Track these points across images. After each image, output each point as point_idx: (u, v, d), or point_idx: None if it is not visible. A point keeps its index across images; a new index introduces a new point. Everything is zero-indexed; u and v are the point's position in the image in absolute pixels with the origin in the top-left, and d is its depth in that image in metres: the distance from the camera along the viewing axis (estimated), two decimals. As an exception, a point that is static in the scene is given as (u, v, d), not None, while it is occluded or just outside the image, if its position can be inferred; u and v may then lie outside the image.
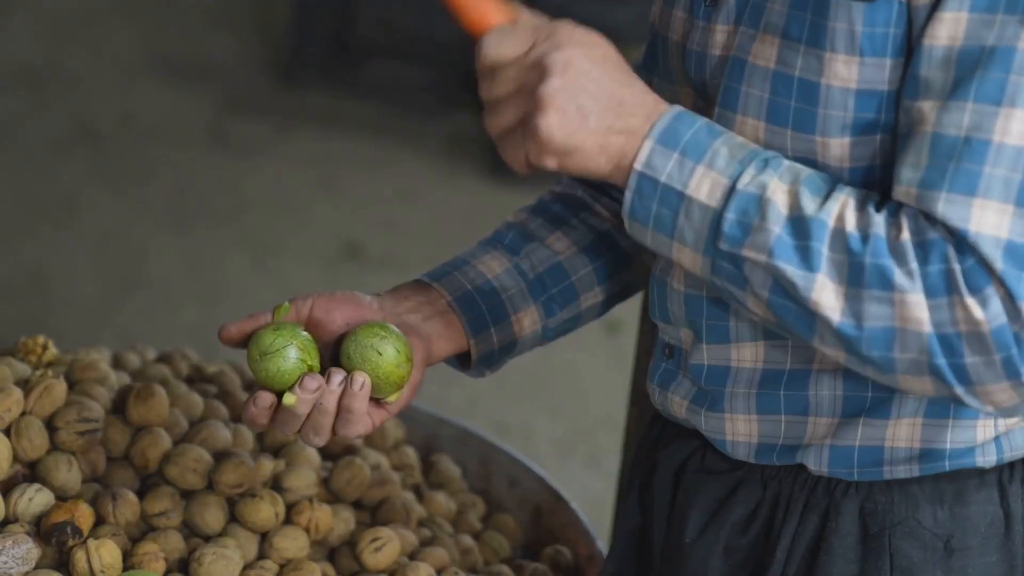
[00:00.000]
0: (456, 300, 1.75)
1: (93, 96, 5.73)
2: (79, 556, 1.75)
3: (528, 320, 1.78)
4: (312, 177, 5.38)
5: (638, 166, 1.49)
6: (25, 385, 1.90)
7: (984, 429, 1.61)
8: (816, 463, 1.63)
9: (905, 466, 1.62)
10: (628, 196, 1.50)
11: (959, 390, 1.45)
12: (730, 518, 1.69)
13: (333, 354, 1.67)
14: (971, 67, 1.43)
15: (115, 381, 2.05)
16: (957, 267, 1.42)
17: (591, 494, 3.76)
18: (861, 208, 1.46)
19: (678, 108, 1.51)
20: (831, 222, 1.45)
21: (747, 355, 1.64)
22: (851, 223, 1.45)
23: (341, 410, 1.62)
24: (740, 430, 1.66)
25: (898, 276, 1.43)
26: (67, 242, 4.82)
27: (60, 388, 1.89)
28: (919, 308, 1.42)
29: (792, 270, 1.45)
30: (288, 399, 1.60)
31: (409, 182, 5.41)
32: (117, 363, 2.16)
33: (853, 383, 1.61)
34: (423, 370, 1.69)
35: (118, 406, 1.98)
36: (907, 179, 1.46)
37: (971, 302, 1.41)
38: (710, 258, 1.49)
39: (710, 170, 1.48)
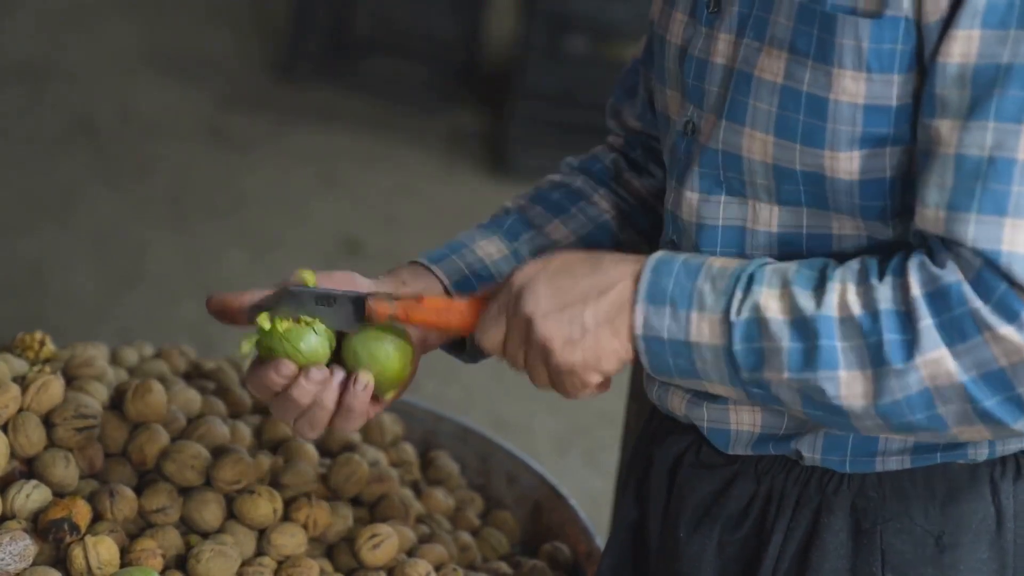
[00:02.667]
0: (454, 285, 1.75)
1: (92, 92, 5.73)
2: (76, 552, 1.74)
3: None
4: (311, 172, 5.38)
5: (639, 331, 1.53)
6: (22, 381, 1.89)
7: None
8: (810, 450, 1.64)
9: (897, 457, 1.62)
10: (644, 359, 1.54)
11: (1019, 424, 1.45)
12: (724, 513, 1.70)
13: (335, 348, 1.66)
14: (988, 85, 1.43)
15: (113, 377, 2.04)
16: (980, 304, 1.42)
17: (589, 490, 3.76)
18: (862, 283, 1.47)
19: (652, 260, 1.54)
20: (835, 314, 1.46)
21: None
22: (856, 307, 1.46)
23: (342, 407, 1.63)
24: (744, 420, 1.66)
25: (912, 340, 1.43)
26: (65, 238, 4.82)
27: (57, 384, 1.89)
28: (944, 362, 1.43)
29: (811, 375, 1.47)
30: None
31: (408, 177, 5.41)
32: (115, 359, 2.16)
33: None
34: (418, 359, 1.70)
35: (116, 402, 1.98)
36: (933, 202, 1.45)
37: (1009, 331, 1.41)
38: (741, 388, 1.53)
39: (703, 312, 1.51)
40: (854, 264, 1.49)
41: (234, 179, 5.28)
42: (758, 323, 1.48)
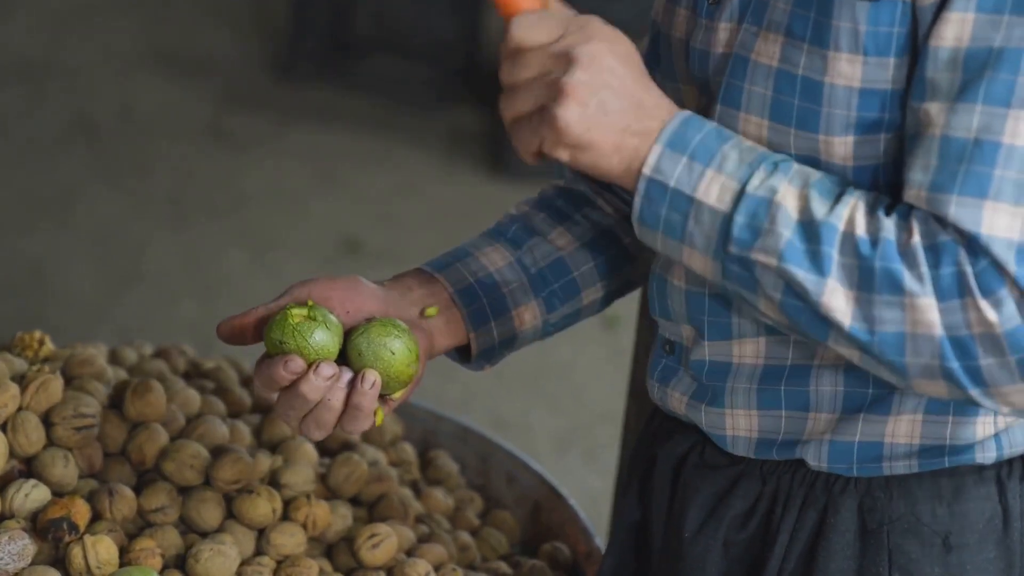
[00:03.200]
0: (458, 293, 1.74)
1: (91, 90, 5.72)
2: (75, 552, 1.74)
3: (529, 315, 1.77)
4: (311, 172, 5.38)
5: (647, 171, 1.48)
6: (22, 380, 1.89)
7: (984, 426, 1.61)
8: (816, 458, 1.63)
9: (904, 462, 1.62)
10: (637, 201, 1.49)
11: (974, 392, 1.45)
12: (729, 513, 1.70)
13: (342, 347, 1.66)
14: (979, 69, 1.43)
15: (112, 377, 2.04)
16: (969, 269, 1.41)
17: (589, 489, 3.76)
18: (871, 212, 1.46)
19: (688, 113, 1.50)
20: (841, 226, 1.45)
21: (749, 351, 1.63)
22: (861, 227, 1.44)
23: (349, 407, 1.61)
24: (740, 425, 1.66)
25: (908, 280, 1.42)
26: (65, 237, 4.82)
27: (57, 384, 1.89)
28: (930, 311, 1.42)
29: (803, 274, 1.45)
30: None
31: (408, 177, 5.41)
32: (114, 358, 2.16)
33: (854, 379, 1.61)
34: (425, 364, 1.69)
35: (115, 402, 1.98)
36: (917, 182, 1.45)
37: (984, 304, 1.41)
38: (720, 262, 1.49)
39: (719, 174, 1.48)
40: (870, 192, 1.48)
41: (234, 178, 5.28)
42: (769, 205, 1.46)
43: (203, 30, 6.25)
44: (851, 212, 1.45)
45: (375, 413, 1.62)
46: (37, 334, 2.06)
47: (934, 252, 1.42)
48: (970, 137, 1.43)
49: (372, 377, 1.60)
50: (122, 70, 5.91)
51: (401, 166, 5.47)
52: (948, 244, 1.42)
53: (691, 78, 1.65)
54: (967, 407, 1.60)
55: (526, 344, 1.81)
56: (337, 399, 1.60)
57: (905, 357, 1.44)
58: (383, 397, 1.64)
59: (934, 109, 1.45)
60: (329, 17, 5.91)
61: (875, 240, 1.44)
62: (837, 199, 1.46)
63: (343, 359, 1.63)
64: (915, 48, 1.48)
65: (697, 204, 1.48)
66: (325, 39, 5.93)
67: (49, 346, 2.05)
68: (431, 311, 1.71)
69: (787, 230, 1.45)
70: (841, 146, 1.52)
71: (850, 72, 1.50)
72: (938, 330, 1.42)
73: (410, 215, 5.15)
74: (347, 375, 1.61)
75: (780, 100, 1.53)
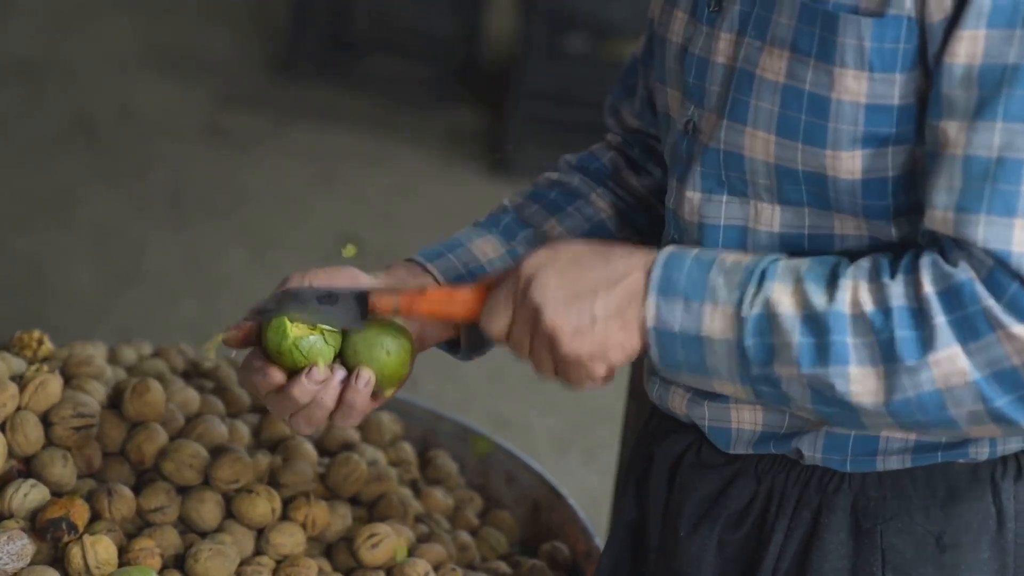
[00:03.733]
0: (448, 283, 1.74)
1: (91, 90, 5.72)
2: (74, 552, 1.74)
3: None
4: (310, 171, 5.38)
5: (650, 324, 1.52)
6: (20, 380, 1.89)
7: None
8: (811, 449, 1.63)
9: (898, 456, 1.62)
10: (653, 350, 1.53)
11: None
12: (724, 513, 1.70)
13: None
14: (995, 86, 1.42)
15: (111, 376, 2.04)
16: (992, 303, 1.41)
17: (588, 489, 3.76)
18: (874, 281, 1.46)
19: (664, 253, 1.53)
20: (848, 310, 1.45)
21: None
22: (868, 304, 1.45)
23: (342, 404, 1.63)
24: (745, 419, 1.66)
25: (925, 339, 1.43)
26: (64, 236, 4.82)
27: (56, 383, 1.89)
28: (957, 360, 1.42)
29: (822, 370, 1.46)
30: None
31: (407, 176, 5.41)
32: (113, 358, 2.16)
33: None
34: (415, 358, 1.69)
35: (114, 401, 1.98)
36: (942, 204, 1.45)
37: (1020, 330, 1.41)
38: (748, 385, 1.52)
39: (716, 305, 1.50)
40: (865, 262, 1.49)
41: (233, 178, 5.27)
42: (769, 318, 1.47)
43: (202, 30, 6.25)
44: (853, 294, 1.46)
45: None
46: (36, 333, 2.06)
47: (952, 296, 1.42)
48: (992, 156, 1.42)
49: (367, 376, 1.62)
50: (122, 70, 5.90)
51: (400, 165, 5.47)
52: (964, 284, 1.42)
53: (681, 83, 1.65)
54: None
55: None
56: (329, 398, 1.62)
57: (949, 411, 1.45)
58: (375, 394, 1.64)
59: (952, 128, 1.45)
60: (329, 17, 5.91)
61: (887, 311, 1.44)
62: (834, 284, 1.47)
63: (339, 357, 1.63)
64: (925, 64, 1.47)
65: (707, 341, 1.51)
66: (324, 39, 5.93)
67: (48, 346, 2.05)
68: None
69: (794, 335, 1.47)
70: (849, 161, 1.52)
71: (856, 88, 1.49)
72: (971, 375, 1.43)
73: (409, 214, 5.15)
74: (340, 374, 1.62)
75: (787, 115, 1.53)
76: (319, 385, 1.60)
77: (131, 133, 5.48)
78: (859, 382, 1.45)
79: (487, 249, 1.78)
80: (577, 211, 1.83)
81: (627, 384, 2.45)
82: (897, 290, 1.44)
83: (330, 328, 1.62)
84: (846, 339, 1.45)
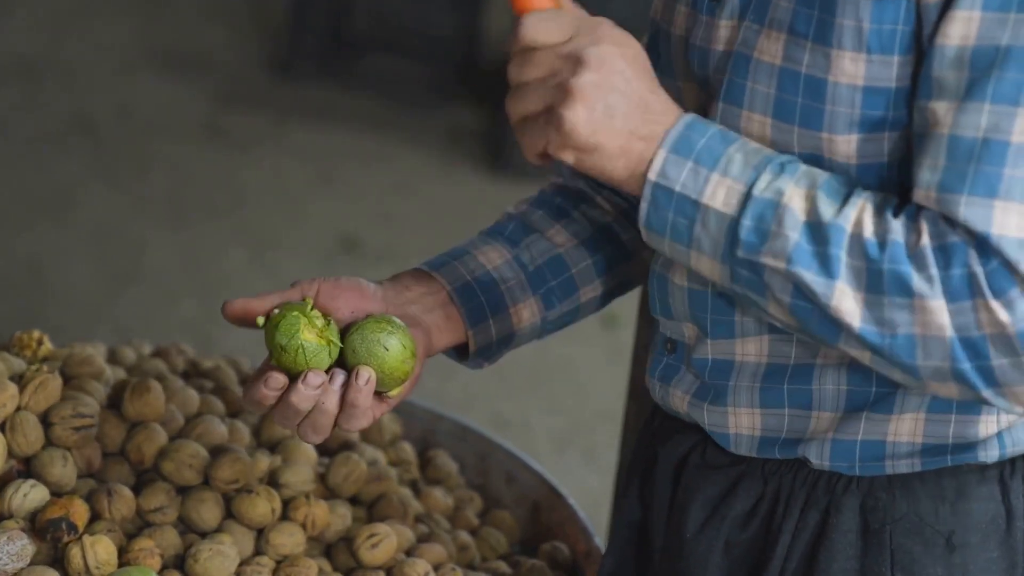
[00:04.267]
0: (455, 291, 1.74)
1: (90, 89, 5.72)
2: (74, 552, 1.74)
3: (527, 312, 1.77)
4: (309, 170, 5.38)
5: (652, 176, 1.48)
6: (20, 380, 1.89)
7: (987, 425, 1.61)
8: (818, 456, 1.63)
9: (907, 460, 1.61)
10: (644, 206, 1.49)
11: (986, 393, 1.44)
12: (730, 513, 1.69)
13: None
14: (986, 67, 1.42)
15: (111, 376, 2.04)
16: (980, 270, 1.41)
17: (588, 489, 3.76)
18: (879, 213, 1.45)
19: (692, 116, 1.50)
20: (849, 227, 1.44)
21: (752, 349, 1.63)
22: (869, 229, 1.44)
23: (345, 405, 1.61)
24: (743, 424, 1.66)
25: (917, 282, 1.42)
26: (63, 236, 4.82)
27: (55, 383, 1.89)
28: (940, 314, 1.42)
29: (811, 276, 1.45)
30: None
31: (406, 175, 5.41)
32: (113, 358, 2.15)
33: (857, 377, 1.60)
34: (423, 362, 1.69)
35: (114, 401, 1.97)
36: (926, 182, 1.45)
37: (995, 304, 1.41)
38: (728, 266, 1.49)
39: (725, 177, 1.47)
40: (878, 193, 1.48)
41: (232, 177, 5.27)
42: (776, 207, 1.46)
43: (201, 29, 6.25)
44: (859, 213, 1.45)
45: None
46: (36, 333, 2.05)
47: (944, 253, 1.42)
48: (979, 136, 1.42)
49: (366, 374, 1.60)
50: (121, 69, 5.91)
51: (400, 165, 5.47)
52: (958, 245, 1.42)
53: (690, 75, 1.65)
54: (970, 405, 1.60)
55: (524, 342, 1.81)
56: (331, 403, 1.60)
57: (917, 360, 1.44)
58: (380, 395, 1.63)
59: (941, 108, 1.45)
60: (328, 16, 5.91)
61: (883, 242, 1.43)
62: (844, 200, 1.46)
63: (339, 361, 1.63)
64: (920, 46, 1.47)
65: (704, 209, 1.48)
66: (324, 38, 5.93)
67: (48, 346, 2.05)
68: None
69: (795, 232, 1.45)
70: (845, 144, 1.52)
71: (854, 70, 1.49)
72: (949, 332, 1.42)
73: (409, 214, 5.15)
74: (340, 377, 1.60)
75: (783, 98, 1.53)
76: (317, 390, 1.59)
77: (130, 133, 5.48)
78: (841, 298, 1.44)
79: (493, 256, 1.78)
80: (583, 215, 1.83)
81: (627, 384, 2.46)
82: (897, 228, 1.44)
83: (336, 342, 1.61)
84: (841, 254, 1.44)
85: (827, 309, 1.45)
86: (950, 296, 1.42)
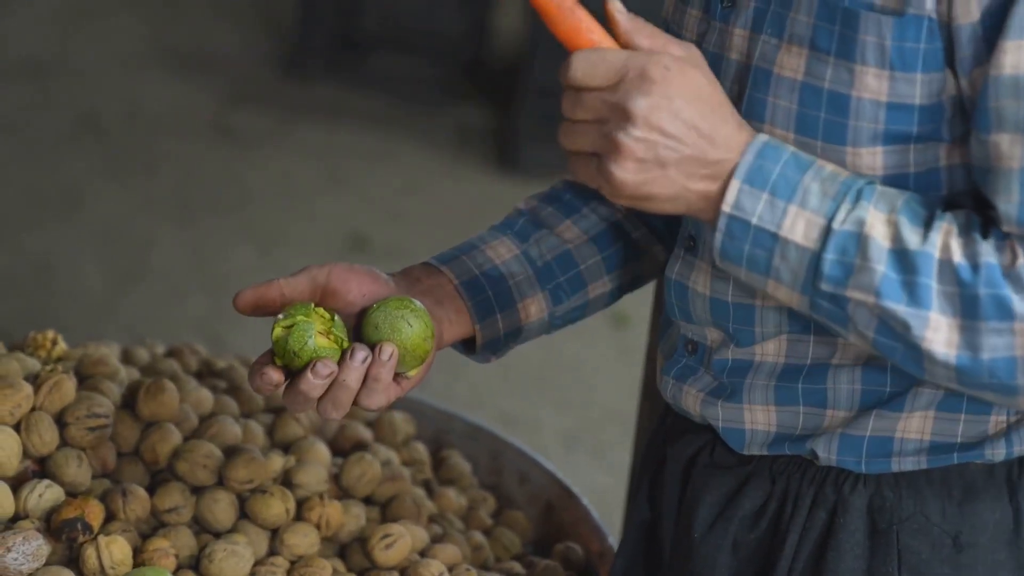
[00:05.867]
0: (463, 284, 1.74)
1: (98, 88, 5.73)
2: (89, 552, 1.74)
3: (535, 307, 1.77)
4: (318, 169, 5.38)
5: (727, 208, 1.47)
6: (35, 380, 1.89)
7: (995, 424, 1.61)
8: (825, 450, 1.63)
9: (914, 458, 1.62)
10: (718, 237, 1.48)
11: None
12: (739, 513, 1.69)
13: (355, 325, 1.65)
14: None
15: (125, 376, 2.04)
16: None
17: (597, 488, 3.76)
18: (966, 234, 1.45)
19: (761, 141, 1.48)
20: (937, 253, 1.44)
21: (771, 349, 1.63)
22: (958, 253, 1.44)
23: (368, 380, 1.59)
24: (759, 420, 1.66)
25: (1018, 304, 1.42)
26: (72, 234, 4.82)
27: (70, 384, 1.89)
28: None
29: (902, 309, 1.44)
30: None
31: (415, 174, 5.41)
32: (126, 358, 2.16)
33: (871, 376, 1.60)
34: (435, 352, 1.69)
35: (128, 401, 1.97)
36: (1008, 217, 1.45)
37: None
38: (809, 297, 1.48)
39: (803, 209, 1.46)
40: (961, 214, 1.47)
41: (240, 175, 5.28)
42: (859, 239, 1.44)
43: (210, 28, 6.25)
44: (945, 238, 1.44)
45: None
46: (50, 334, 2.05)
47: None
48: None
49: (390, 349, 1.59)
50: (129, 68, 5.91)
51: (408, 163, 5.47)
52: None
53: None
54: (981, 404, 1.60)
55: (532, 337, 1.81)
56: (353, 379, 1.58)
57: (1016, 380, 1.44)
58: (398, 376, 1.63)
59: (1005, 141, 1.44)
60: (336, 14, 5.91)
61: (976, 265, 1.43)
62: (928, 224, 1.45)
63: (358, 336, 1.63)
64: (952, 67, 1.47)
65: (783, 241, 1.46)
66: (332, 36, 5.93)
67: (62, 346, 2.05)
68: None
69: (880, 264, 1.44)
70: (869, 157, 1.52)
71: (877, 86, 1.49)
72: None
73: (417, 212, 5.15)
74: (361, 353, 1.59)
75: (806, 113, 1.53)
76: (326, 379, 1.59)
77: (139, 131, 5.48)
78: (935, 329, 1.43)
79: (502, 251, 1.78)
80: (592, 211, 1.83)
81: (641, 385, 2.45)
82: (988, 249, 1.43)
83: (345, 338, 1.61)
84: (931, 282, 1.43)
85: (918, 341, 1.44)
86: None
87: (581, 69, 1.43)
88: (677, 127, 1.43)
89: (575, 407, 4.31)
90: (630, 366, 4.10)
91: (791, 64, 1.53)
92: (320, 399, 1.60)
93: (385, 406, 1.62)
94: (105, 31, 6.12)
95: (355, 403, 1.61)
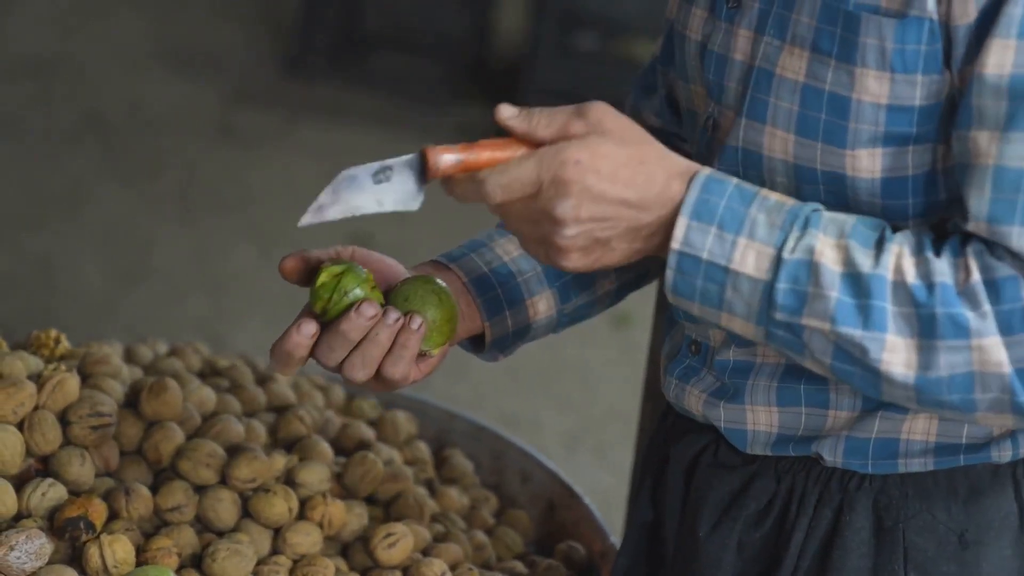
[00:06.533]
0: (472, 282, 1.74)
1: (101, 87, 5.73)
2: (92, 551, 1.74)
3: (543, 304, 1.77)
4: (320, 168, 5.37)
5: (676, 245, 1.48)
6: (38, 379, 1.89)
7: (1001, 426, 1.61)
8: (831, 453, 1.63)
9: (920, 459, 1.62)
10: (670, 274, 1.49)
11: None
12: (743, 512, 1.69)
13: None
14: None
15: (127, 375, 2.04)
16: None
17: (599, 487, 3.76)
18: (918, 254, 1.45)
19: (704, 175, 1.48)
20: (890, 276, 1.44)
21: (772, 351, 1.63)
22: (911, 273, 1.44)
23: (395, 345, 1.59)
24: (761, 421, 1.66)
25: (973, 321, 1.42)
26: (74, 233, 4.82)
27: (73, 382, 1.89)
28: (997, 350, 1.42)
29: (859, 333, 1.44)
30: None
31: (417, 173, 5.40)
32: (129, 357, 2.16)
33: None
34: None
35: (131, 400, 1.98)
36: (975, 212, 1.45)
37: None
38: (764, 327, 1.49)
39: (752, 241, 1.47)
40: (910, 234, 1.48)
41: (243, 175, 5.28)
42: (810, 266, 1.45)
43: (213, 27, 6.25)
44: (897, 260, 1.45)
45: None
46: (53, 333, 2.05)
47: (994, 288, 1.42)
48: (1023, 167, 1.42)
49: (419, 319, 1.59)
50: (132, 67, 5.91)
51: (410, 163, 5.47)
52: (1008, 279, 1.42)
53: (703, 80, 1.65)
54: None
55: (540, 335, 1.81)
56: (385, 336, 1.58)
57: (973, 394, 1.44)
58: (420, 356, 1.63)
59: (983, 138, 1.44)
60: (338, 13, 5.91)
61: (930, 285, 1.43)
62: (879, 247, 1.46)
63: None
64: (949, 67, 1.47)
65: (734, 274, 1.47)
66: (334, 35, 5.93)
67: (65, 345, 2.05)
68: None
69: (833, 290, 1.44)
70: (868, 159, 1.52)
71: (878, 89, 1.49)
72: (1007, 367, 1.43)
73: (420, 211, 5.12)
74: (393, 314, 1.58)
75: (806, 115, 1.53)
76: (371, 321, 1.57)
77: (141, 130, 5.49)
78: (892, 351, 1.44)
79: (510, 248, 1.78)
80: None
81: (643, 385, 2.45)
82: (942, 268, 1.44)
83: (381, 300, 1.61)
84: (886, 305, 1.43)
85: (875, 364, 1.45)
86: (1004, 330, 1.42)
87: (497, 193, 1.47)
88: (605, 210, 1.46)
89: (577, 407, 4.31)
90: (632, 366, 4.10)
91: (793, 66, 1.53)
92: (348, 356, 1.59)
93: (403, 382, 1.61)
94: (107, 30, 6.12)
95: (379, 372, 1.60)
